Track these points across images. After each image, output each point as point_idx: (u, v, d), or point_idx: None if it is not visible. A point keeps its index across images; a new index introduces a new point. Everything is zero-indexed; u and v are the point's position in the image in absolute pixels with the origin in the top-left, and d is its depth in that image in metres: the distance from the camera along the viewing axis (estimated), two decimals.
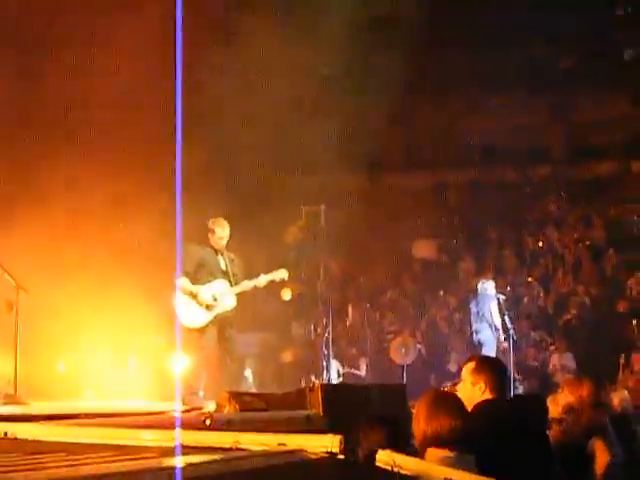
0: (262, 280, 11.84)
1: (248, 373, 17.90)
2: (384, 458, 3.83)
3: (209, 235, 11.79)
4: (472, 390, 6.04)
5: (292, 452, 3.87)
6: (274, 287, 12.50)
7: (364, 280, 21.61)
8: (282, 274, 11.97)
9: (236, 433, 4.24)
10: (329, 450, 3.85)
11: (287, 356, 18.36)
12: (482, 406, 5.91)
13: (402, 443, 5.31)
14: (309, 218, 16.24)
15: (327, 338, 15.71)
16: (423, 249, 23.24)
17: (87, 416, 7.04)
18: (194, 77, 12.91)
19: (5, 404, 9.61)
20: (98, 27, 15.56)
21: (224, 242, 11.83)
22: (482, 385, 6.02)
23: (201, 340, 11.65)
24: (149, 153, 15.94)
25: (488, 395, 6.01)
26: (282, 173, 19.82)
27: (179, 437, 4.25)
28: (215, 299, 11.53)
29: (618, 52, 24.32)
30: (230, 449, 4.00)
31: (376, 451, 3.85)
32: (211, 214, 12.21)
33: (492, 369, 6.16)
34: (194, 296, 11.50)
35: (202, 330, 11.60)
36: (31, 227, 13.70)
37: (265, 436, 4.10)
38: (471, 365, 6.19)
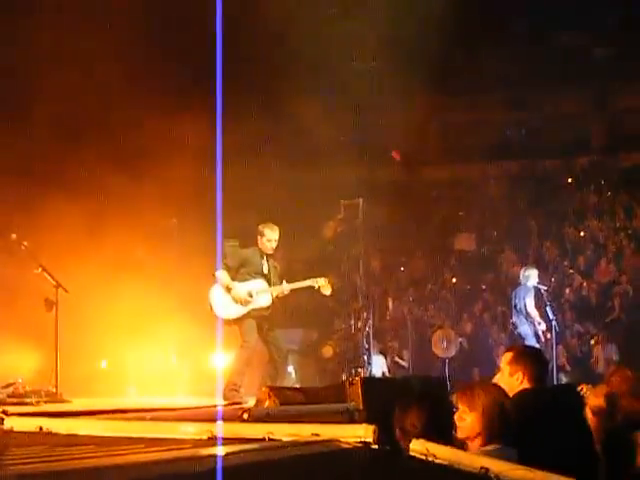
0: (300, 285, 11.88)
1: (291, 369, 17.90)
2: (418, 447, 3.80)
3: (259, 237, 11.86)
4: (510, 380, 5.99)
5: (325, 442, 3.86)
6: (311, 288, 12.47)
7: (404, 273, 21.56)
8: (321, 281, 11.97)
9: (270, 424, 4.24)
10: (363, 440, 3.83)
11: (328, 351, 18.33)
12: (520, 396, 5.86)
13: (443, 429, 5.28)
14: (348, 212, 16.21)
15: (368, 332, 15.69)
16: (464, 242, 23.12)
17: (126, 411, 7.05)
18: None
19: (47, 402, 9.68)
20: None
21: (273, 245, 11.91)
22: (520, 375, 5.98)
23: (243, 336, 11.68)
24: (192, 152, 16.00)
25: (526, 385, 5.97)
26: (320, 167, 19.83)
27: (215, 429, 4.25)
28: (251, 295, 11.56)
29: None
30: (263, 439, 3.99)
31: (410, 440, 3.83)
32: (254, 214, 12.31)
33: (530, 359, 6.10)
34: (229, 290, 11.54)
35: (239, 323, 11.63)
36: (71, 226, 13.78)
37: (298, 426, 4.09)
38: (509, 355, 6.15)
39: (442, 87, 21.27)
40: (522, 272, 16.60)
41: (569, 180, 23.77)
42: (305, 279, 12.04)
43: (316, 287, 11.97)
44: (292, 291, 11.99)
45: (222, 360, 13.32)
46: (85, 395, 11.60)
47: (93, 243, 14.36)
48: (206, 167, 13.00)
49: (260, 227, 11.94)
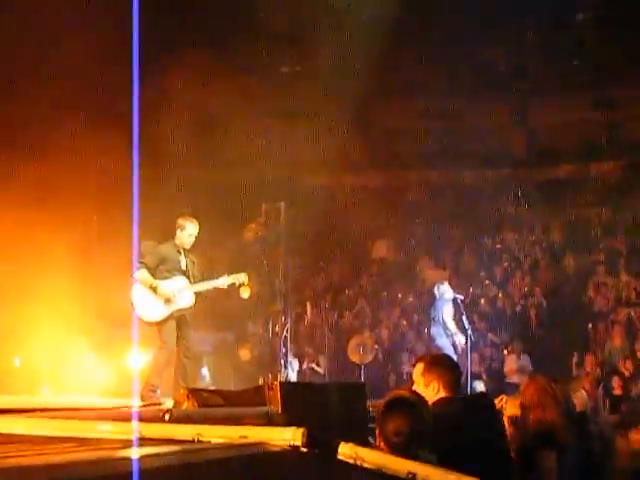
0: (222, 282, 11.78)
1: (205, 371, 17.84)
2: (346, 451, 3.81)
3: (178, 231, 11.73)
4: (426, 391, 6.01)
5: (254, 444, 3.85)
6: (232, 286, 12.40)
7: (323, 278, 21.62)
8: (242, 278, 11.91)
9: (197, 426, 4.21)
10: (292, 443, 3.83)
11: (245, 354, 18.30)
12: (438, 405, 5.90)
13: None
14: (269, 215, 16.19)
15: (285, 336, 15.67)
16: (381, 249, 23.25)
17: (42, 410, 6.94)
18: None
19: None
20: None
21: (192, 240, 11.80)
22: (435, 384, 6.02)
23: (162, 336, 11.57)
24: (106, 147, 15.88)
25: (443, 393, 6.00)
26: (244, 170, 19.81)
27: (138, 429, 4.20)
28: (174, 295, 11.45)
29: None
30: (192, 441, 3.97)
31: (339, 443, 3.84)
32: (174, 212, 12.19)
33: (442, 367, 6.15)
34: (153, 289, 11.42)
35: (160, 325, 11.52)
36: None
37: (227, 428, 4.08)
38: (420, 366, 6.18)
39: (367, 93, 21.33)
40: (436, 288, 16.76)
41: (486, 191, 23.97)
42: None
43: (237, 284, 11.92)
44: (211, 290, 11.93)
45: (139, 360, 13.20)
46: None
47: (8, 238, 14.18)
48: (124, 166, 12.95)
49: (180, 220, 11.77)
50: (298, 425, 3.94)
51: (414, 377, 6.22)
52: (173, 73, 17.62)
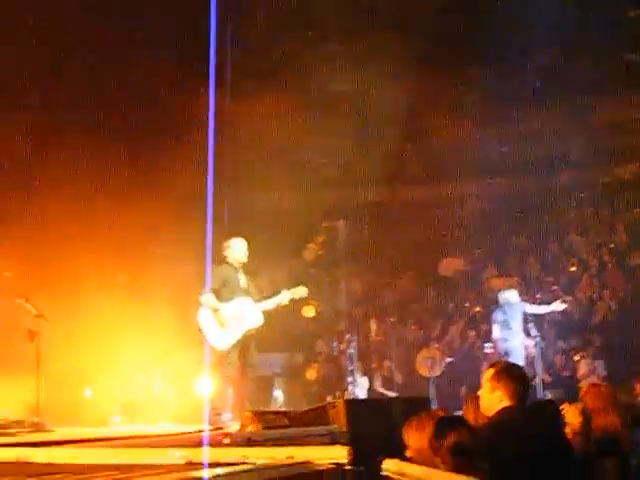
0: (284, 297, 11.82)
1: (277, 393, 17.89)
2: (391, 467, 3.82)
3: (227, 253, 11.83)
4: (490, 397, 6.01)
5: (299, 464, 3.87)
6: (296, 306, 12.47)
7: (387, 294, 21.56)
8: (302, 291, 11.95)
9: (246, 448, 4.26)
10: (336, 461, 3.85)
11: (312, 374, 18.31)
12: (499, 414, 5.88)
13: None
14: (329, 234, 16.23)
15: (351, 354, 15.68)
16: (448, 267, 23.06)
17: (105, 440, 7.04)
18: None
19: (29, 432, 9.65)
20: None
21: (244, 259, 11.88)
22: (500, 393, 5.99)
23: (224, 360, 11.65)
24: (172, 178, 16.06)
25: (506, 403, 5.97)
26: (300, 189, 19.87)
27: (190, 455, 4.26)
28: (240, 317, 11.53)
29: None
30: (237, 463, 4.00)
31: (382, 460, 3.85)
32: (231, 235, 12.28)
33: (510, 377, 6.10)
34: (217, 313, 11.51)
35: (225, 350, 11.60)
36: (50, 256, 13.79)
37: (274, 450, 4.11)
38: (491, 372, 6.16)
39: (422, 106, 21.29)
40: (501, 294, 16.68)
41: (549, 197, 23.71)
42: (291, 302, 12.00)
43: (298, 297, 11.95)
44: (276, 314, 11.98)
45: (207, 385, 13.29)
46: (69, 425, 11.58)
47: (74, 271, 14.37)
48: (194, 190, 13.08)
49: (224, 243, 11.90)
50: (361, 442, 3.96)
51: (482, 381, 6.21)
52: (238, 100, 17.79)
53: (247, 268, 11.97)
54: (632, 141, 23.19)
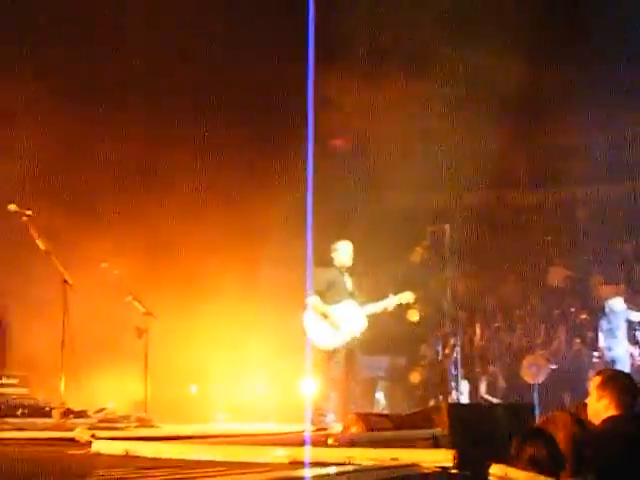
0: (390, 302, 11.85)
1: (380, 395, 17.88)
2: (497, 472, 3.81)
3: (333, 255, 11.90)
4: (597, 405, 5.93)
5: (404, 466, 3.88)
6: (401, 309, 12.45)
7: (491, 299, 21.39)
8: (408, 297, 11.96)
9: (351, 449, 4.28)
10: (442, 465, 3.85)
11: (415, 377, 18.23)
12: (605, 423, 5.80)
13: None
14: (434, 238, 16.17)
15: (456, 358, 15.60)
16: (558, 276, 22.73)
17: (211, 437, 7.13)
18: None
19: (136, 427, 9.82)
20: None
21: (349, 262, 11.93)
22: (606, 401, 5.90)
23: (329, 362, 11.72)
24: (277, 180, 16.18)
25: (613, 411, 5.88)
26: (408, 193, 19.83)
27: (296, 454, 4.30)
28: (347, 321, 11.59)
29: None
30: (341, 464, 4.03)
31: (489, 465, 3.84)
32: (337, 237, 12.33)
33: (617, 385, 6.00)
34: (325, 316, 11.58)
35: (331, 352, 11.67)
36: (157, 255, 14.00)
37: (378, 451, 4.12)
38: (597, 380, 6.08)
39: (531, 110, 21.06)
40: (608, 303, 16.46)
41: None
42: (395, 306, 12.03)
43: (404, 304, 11.96)
44: (380, 317, 12.00)
45: (311, 386, 13.37)
46: (175, 420, 11.75)
47: (181, 270, 14.57)
48: (293, 194, 13.18)
49: (332, 246, 11.99)
50: (464, 446, 3.96)
51: (589, 389, 6.13)
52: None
53: (352, 271, 12.00)
54: None
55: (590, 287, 21.35)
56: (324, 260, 12.00)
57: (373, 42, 17.77)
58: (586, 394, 6.95)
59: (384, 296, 11.95)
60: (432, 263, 16.18)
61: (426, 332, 17.68)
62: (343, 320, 11.63)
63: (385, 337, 16.60)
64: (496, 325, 19.47)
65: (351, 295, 11.83)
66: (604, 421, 5.81)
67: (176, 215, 15.22)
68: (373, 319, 11.92)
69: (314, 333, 11.68)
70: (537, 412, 11.75)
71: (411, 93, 17.97)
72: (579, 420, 5.52)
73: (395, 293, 11.95)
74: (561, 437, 5.26)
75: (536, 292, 22.20)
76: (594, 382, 6.08)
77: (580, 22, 18.61)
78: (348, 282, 11.92)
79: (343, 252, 11.95)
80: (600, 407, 5.89)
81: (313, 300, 11.70)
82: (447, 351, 15.78)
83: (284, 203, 14.94)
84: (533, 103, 20.35)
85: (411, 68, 17.80)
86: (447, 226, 15.87)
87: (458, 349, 15.70)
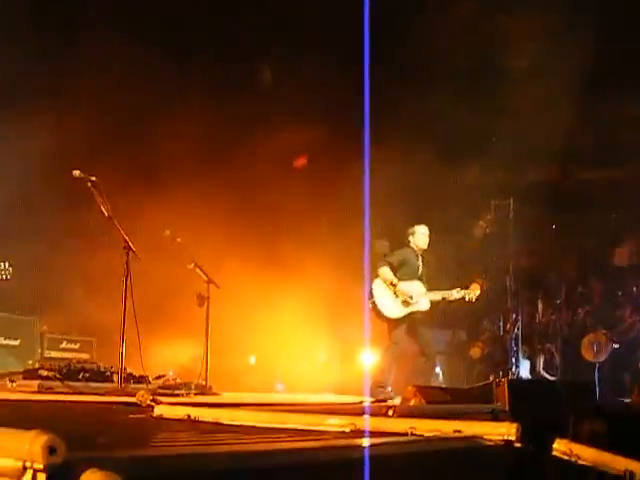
0: (454, 294, 11.99)
1: (438, 370, 17.84)
2: (561, 447, 3.77)
3: (410, 238, 12.11)
4: None
5: (467, 438, 3.86)
6: (464, 283, 12.50)
7: (554, 276, 21.18)
8: (474, 293, 12.05)
9: (413, 420, 4.26)
10: (505, 438, 3.82)
11: (476, 352, 18.15)
12: None
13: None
14: (498, 212, 16.09)
15: (517, 334, 15.52)
16: (624, 256, 22.39)
17: (272, 405, 7.16)
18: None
19: (196, 394, 9.90)
20: None
21: (424, 246, 12.08)
22: None
23: (392, 335, 11.86)
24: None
25: None
26: (470, 167, 19.66)
27: (358, 422, 4.29)
28: (412, 298, 11.72)
29: None
30: (406, 434, 4.02)
31: (554, 439, 3.80)
32: (402, 213, 12.52)
33: None
34: (393, 286, 11.73)
35: (395, 324, 11.80)
36: (224, 224, 14.06)
37: (440, 422, 4.11)
38: None
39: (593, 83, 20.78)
40: None
41: None
42: (457, 279, 12.21)
43: (467, 299, 12.05)
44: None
45: (370, 358, 13.42)
46: (234, 389, 11.84)
47: (243, 240, 14.62)
48: (352, 167, 13.20)
49: (409, 229, 12.17)
50: (524, 423, 3.93)
51: None
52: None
53: (426, 255, 12.21)
54: None
55: None
56: (396, 238, 12.26)
57: None
58: None
59: (450, 287, 12.12)
60: (495, 238, 16.11)
61: (488, 307, 17.61)
62: (408, 296, 11.74)
63: (446, 311, 16.56)
64: (557, 302, 19.24)
65: (420, 278, 11.96)
66: None
67: (239, 185, 15.31)
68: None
69: (381, 301, 11.80)
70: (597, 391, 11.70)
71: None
72: None
73: (459, 277, 12.15)
74: None
75: (600, 270, 21.94)
76: None
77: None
78: (420, 266, 12.06)
79: (420, 236, 12.16)
80: None
81: (384, 270, 11.89)
82: (509, 327, 15.71)
83: (345, 176, 14.91)
84: (599, 74, 20.04)
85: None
86: (511, 200, 15.78)
87: (519, 325, 15.62)
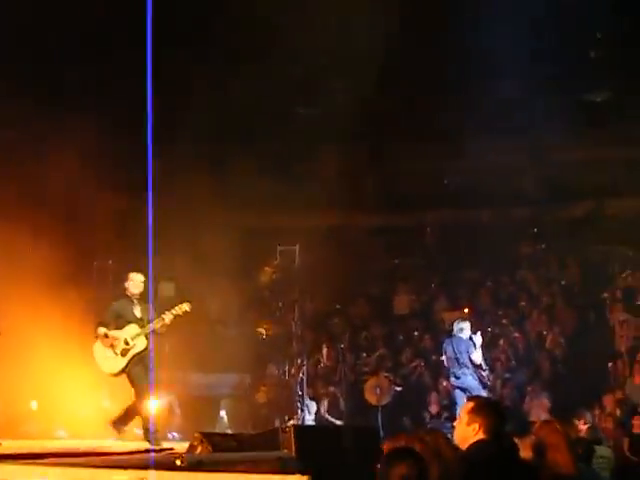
0: (167, 317, 12.14)
1: (223, 414, 17.81)
2: None
3: (126, 285, 12.28)
4: (466, 429, 6.01)
5: None
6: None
7: (339, 320, 21.50)
8: (185, 307, 12.22)
9: (206, 474, 4.21)
10: None
11: (262, 397, 18.20)
12: (473, 447, 5.90)
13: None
14: (284, 258, 16.26)
15: (302, 378, 15.64)
16: (403, 304, 22.90)
17: (57, 455, 6.95)
18: None
19: None
20: None
21: (142, 288, 12.33)
22: (476, 426, 5.99)
23: (134, 384, 12.14)
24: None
25: (481, 436, 5.98)
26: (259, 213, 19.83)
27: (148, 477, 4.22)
28: (127, 343, 11.93)
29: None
30: None
31: None
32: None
33: (489, 412, 6.10)
34: (107, 337, 12.08)
35: (128, 374, 12.15)
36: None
37: (234, 476, 4.07)
38: (470, 405, 6.17)
39: (379, 135, 21.33)
40: (455, 324, 16.66)
41: (503, 231, 23.69)
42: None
43: (181, 313, 12.23)
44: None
45: (153, 404, 13.29)
46: (15, 437, 11.47)
47: (21, 284, 14.31)
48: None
49: (127, 275, 12.31)
50: (310, 469, 3.93)
51: (460, 413, 6.22)
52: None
53: (142, 299, 12.34)
54: (585, 179, 23.39)
55: (435, 310, 21.71)
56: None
57: None
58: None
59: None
60: (281, 283, 16.26)
61: (273, 351, 17.70)
62: (123, 341, 12.01)
63: (232, 355, 16.58)
64: (341, 346, 19.54)
65: (139, 321, 12.18)
66: (471, 445, 5.91)
67: None
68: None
69: (100, 361, 12.25)
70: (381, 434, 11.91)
71: None
72: (450, 440, 5.62)
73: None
74: (430, 456, 5.33)
75: (383, 316, 22.38)
76: (466, 407, 6.18)
77: None
78: (137, 310, 12.21)
79: (134, 283, 12.24)
80: (469, 431, 5.98)
81: (98, 330, 12.10)
82: (294, 371, 15.82)
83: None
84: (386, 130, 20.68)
85: None
86: (297, 246, 15.96)
87: (304, 369, 15.75)
